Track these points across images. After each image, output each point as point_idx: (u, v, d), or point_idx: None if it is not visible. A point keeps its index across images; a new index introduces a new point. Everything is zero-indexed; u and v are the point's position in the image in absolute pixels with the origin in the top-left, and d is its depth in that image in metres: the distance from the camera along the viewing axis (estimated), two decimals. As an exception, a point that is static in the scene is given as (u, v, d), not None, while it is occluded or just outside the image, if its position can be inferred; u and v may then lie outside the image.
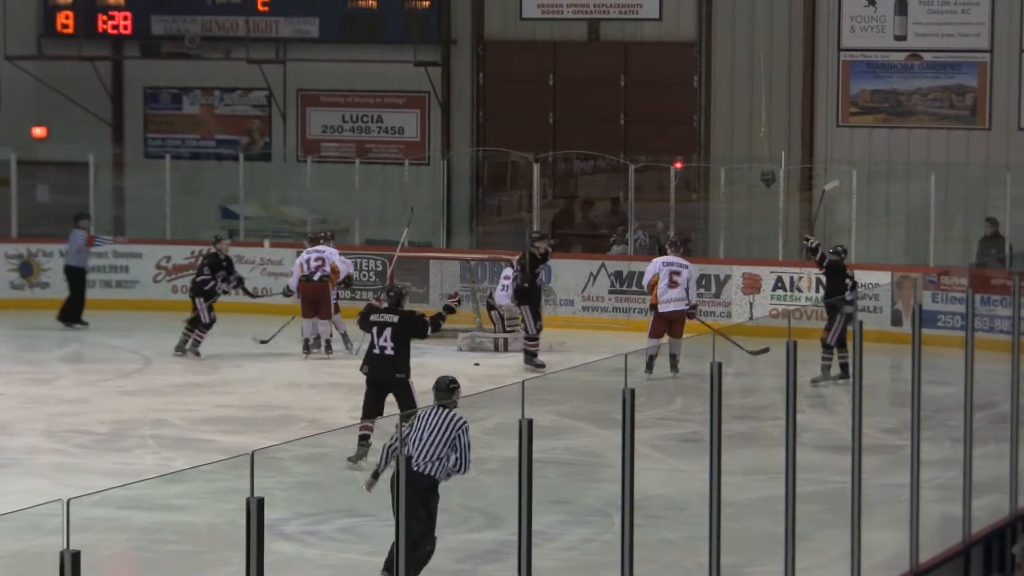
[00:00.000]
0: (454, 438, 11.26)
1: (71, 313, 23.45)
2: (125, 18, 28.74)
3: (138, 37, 28.86)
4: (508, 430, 14.57)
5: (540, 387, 17.34)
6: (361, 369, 15.27)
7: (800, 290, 23.07)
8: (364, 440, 14.82)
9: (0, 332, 23.76)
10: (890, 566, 11.67)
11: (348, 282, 22.12)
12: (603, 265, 24.42)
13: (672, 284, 20.23)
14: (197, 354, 21.27)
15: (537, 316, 21.01)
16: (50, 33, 28.97)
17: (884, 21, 25.90)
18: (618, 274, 24.17)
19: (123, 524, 12.52)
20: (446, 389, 11.92)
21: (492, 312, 22.30)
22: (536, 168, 25.52)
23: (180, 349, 21.38)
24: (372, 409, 14.97)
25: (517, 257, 21.47)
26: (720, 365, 10.17)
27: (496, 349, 21.92)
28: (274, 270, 25.20)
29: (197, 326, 21.38)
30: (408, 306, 23.42)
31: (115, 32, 28.83)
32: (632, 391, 9.08)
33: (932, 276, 22.43)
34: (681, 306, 20.16)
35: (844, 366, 18.91)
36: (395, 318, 15.08)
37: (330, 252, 21.86)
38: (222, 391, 19.30)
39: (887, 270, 23.40)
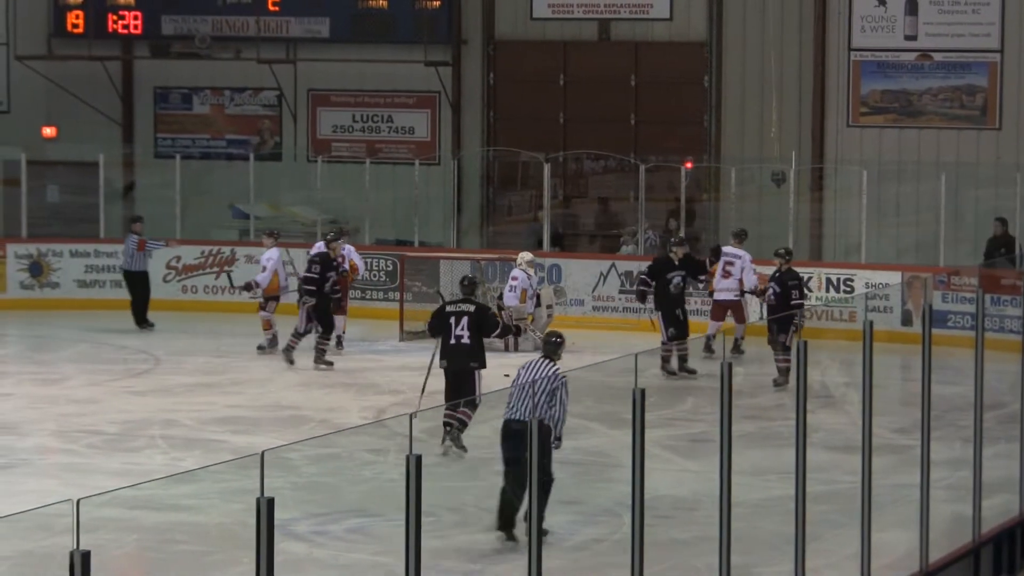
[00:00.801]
0: (554, 389, 12.11)
1: (136, 316, 23.36)
2: (135, 18, 28.76)
3: (148, 37, 28.89)
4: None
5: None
6: (440, 364, 15.68)
7: (810, 290, 23.04)
8: (448, 427, 15.20)
9: (10, 332, 23.81)
10: (900, 566, 11.66)
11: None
12: (613, 265, 24.42)
13: (725, 274, 21.40)
14: (328, 363, 20.42)
15: (671, 323, 20.28)
16: (60, 33, 29.00)
17: (894, 21, 25.87)
18: (628, 274, 24.16)
19: (133, 524, 12.52)
20: (551, 343, 12.86)
21: (502, 312, 22.27)
22: (547, 168, 25.53)
23: (318, 360, 20.45)
24: (455, 396, 15.35)
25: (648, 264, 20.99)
26: (730, 365, 10.18)
27: (506, 349, 21.88)
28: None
29: (321, 332, 20.46)
30: (419, 307, 23.55)
31: (125, 32, 28.86)
32: (643, 391, 9.08)
33: (942, 276, 22.40)
34: (731, 295, 21.34)
35: (785, 370, 18.80)
36: (472, 307, 15.62)
37: (349, 248, 22.10)
38: (232, 391, 19.30)
39: (897, 270, 23.39)
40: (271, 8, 28.29)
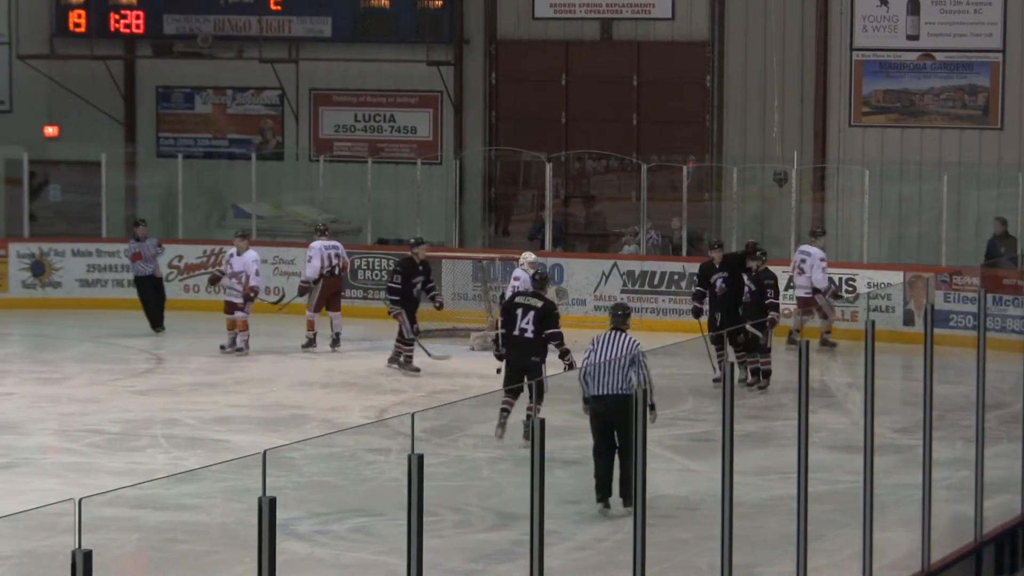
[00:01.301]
0: (634, 359, 12.85)
1: (150, 320, 23.14)
2: (137, 17, 28.76)
3: (150, 36, 28.89)
4: (521, 429, 14.56)
5: (553, 387, 17.34)
6: (497, 352, 16.02)
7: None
8: (504, 413, 15.48)
9: (12, 332, 23.81)
10: (902, 566, 11.66)
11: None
12: (615, 265, 24.41)
13: (799, 271, 21.83)
14: (416, 370, 20.10)
15: (712, 327, 19.17)
16: (62, 32, 29.00)
17: (896, 21, 25.86)
18: (630, 273, 24.16)
19: (135, 524, 12.52)
20: (621, 315, 13.71)
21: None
22: (548, 168, 25.52)
23: (393, 362, 20.29)
24: (515, 390, 15.57)
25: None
26: (732, 365, 10.17)
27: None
28: (287, 269, 25.24)
29: (402, 340, 20.23)
30: (422, 306, 23.54)
31: (127, 31, 28.86)
32: (644, 391, 9.07)
33: (944, 276, 22.40)
34: (804, 292, 21.71)
35: (756, 371, 18.64)
36: (539, 303, 15.87)
37: (341, 247, 22.22)
38: (234, 391, 19.30)
39: (899, 270, 23.38)
40: (273, 7, 28.29)
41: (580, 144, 27.06)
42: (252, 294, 21.61)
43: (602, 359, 13.17)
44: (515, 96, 27.65)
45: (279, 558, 7.08)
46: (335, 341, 21.87)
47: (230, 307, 21.66)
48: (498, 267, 24.12)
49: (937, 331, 11.88)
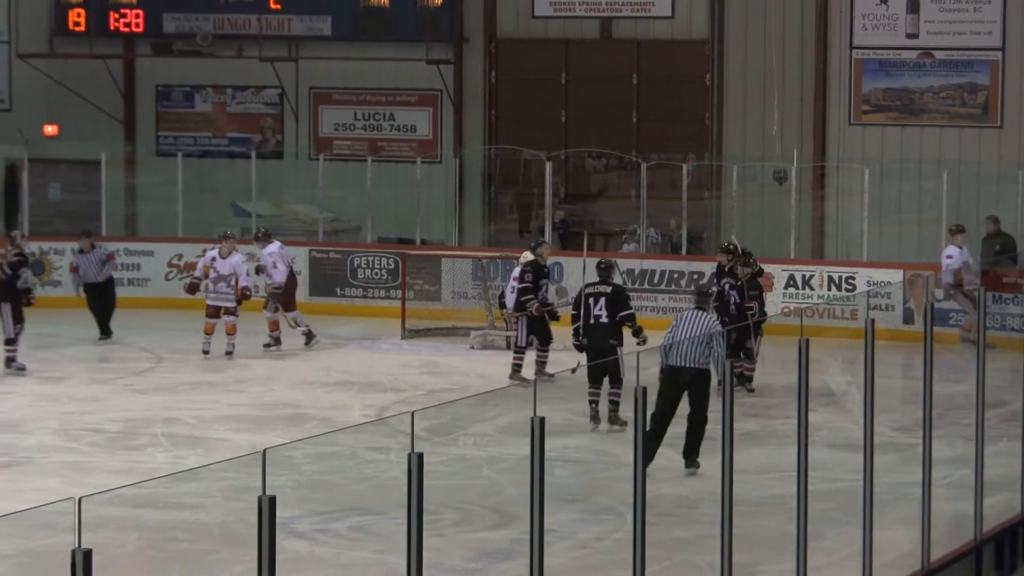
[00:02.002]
0: (712, 337, 14.24)
1: (105, 324, 23.01)
2: (137, 16, 28.76)
3: (150, 35, 28.88)
4: (520, 429, 14.56)
5: (552, 386, 17.37)
6: (578, 342, 16.68)
7: (812, 288, 23.04)
8: (593, 404, 16.22)
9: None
10: (902, 564, 11.66)
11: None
12: (615, 263, 24.34)
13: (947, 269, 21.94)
14: (550, 376, 18.63)
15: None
16: (62, 31, 28.99)
17: (896, 19, 25.86)
18: (630, 272, 24.13)
19: (135, 523, 12.52)
20: (705, 295, 15.41)
21: (504, 310, 22.25)
22: (548, 166, 25.51)
23: (516, 377, 19.30)
24: (597, 375, 16.23)
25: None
26: (732, 364, 10.16)
27: (508, 347, 21.86)
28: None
29: (537, 347, 19.27)
30: (420, 306, 23.55)
31: (127, 30, 28.85)
32: (644, 389, 9.07)
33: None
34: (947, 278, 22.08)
35: (740, 376, 17.95)
36: (608, 288, 16.91)
37: (278, 247, 22.07)
38: (234, 389, 19.30)
39: (899, 268, 23.37)
40: (273, 6, 28.29)
41: (580, 143, 27.05)
42: (247, 294, 21.50)
43: (683, 335, 14.58)
44: (515, 95, 27.64)
45: (279, 557, 7.08)
46: (310, 336, 21.75)
47: (215, 311, 21.34)
48: (498, 266, 24.12)
49: (937, 329, 11.87)
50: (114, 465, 15.35)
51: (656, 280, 23.84)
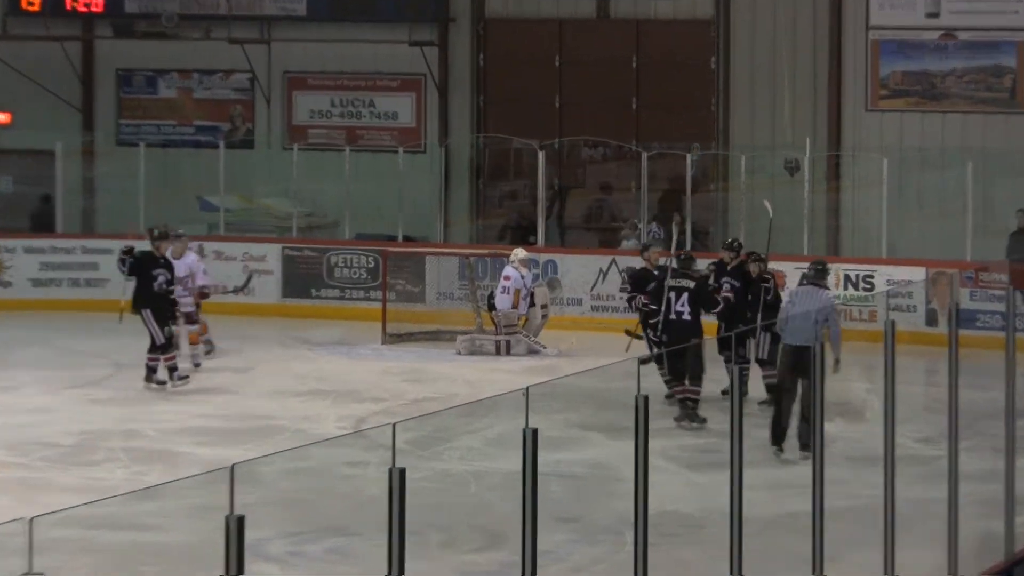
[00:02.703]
0: (828, 314, 15.23)
1: None
2: (96, -5, 28.71)
3: (110, 15, 28.82)
4: (511, 441, 14.49)
5: (546, 394, 17.26)
6: (657, 337, 17.02)
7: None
8: (684, 403, 16.63)
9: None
10: (926, 587, 11.65)
11: None
12: (614, 261, 24.36)
13: None
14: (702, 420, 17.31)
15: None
16: (15, 11, 28.92)
17: (916, -4, 25.87)
18: (631, 270, 24.07)
19: (90, 545, 12.48)
20: (820, 270, 16.18)
21: (493, 313, 22.24)
22: (541, 156, 25.49)
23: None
24: (678, 371, 16.72)
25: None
26: (740, 369, 10.12)
27: (498, 352, 21.87)
28: (257, 267, 25.20)
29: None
30: (402, 307, 23.54)
31: (85, 10, 28.78)
32: (646, 398, 9.05)
33: (970, 272, 22.40)
34: None
35: (770, 387, 17.20)
36: (691, 283, 17.18)
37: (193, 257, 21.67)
38: (199, 399, 19.24)
39: (921, 266, 23.36)
40: (243, -16, 28.27)
41: (575, 131, 27.04)
42: (207, 293, 21.28)
43: (798, 311, 15.51)
44: (505, 79, 27.63)
45: (248, 582, 7.03)
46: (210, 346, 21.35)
47: (186, 318, 21.09)
48: (486, 264, 24.09)
49: (962, 332, 11.88)
50: (68, 482, 15.31)
51: (623, 281, 23.58)
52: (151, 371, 19.53)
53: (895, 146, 25.40)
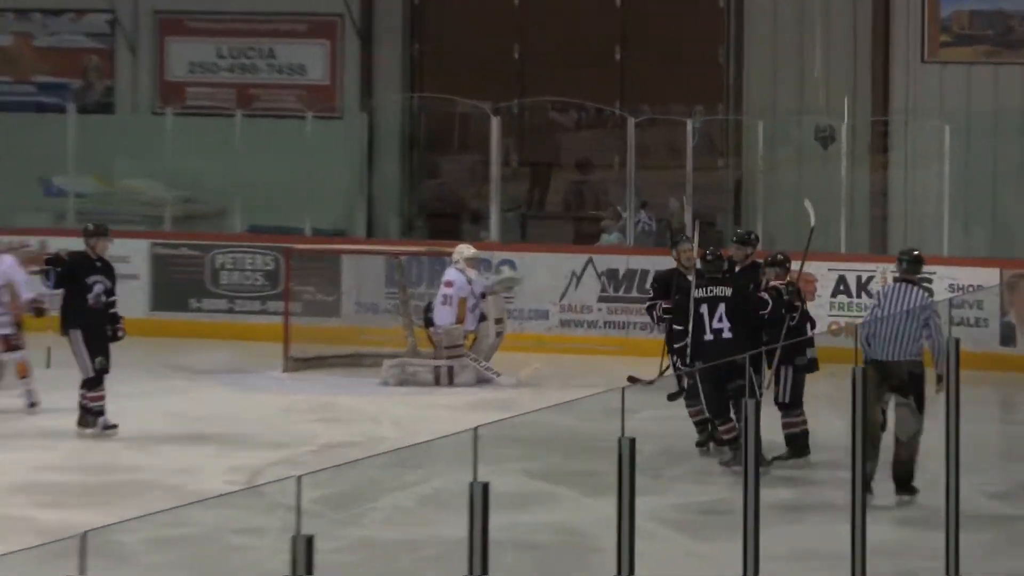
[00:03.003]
0: (927, 319, 15.10)
1: None
2: (-96, -90, 28.74)
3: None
4: (453, 499, 14.51)
5: (501, 437, 17.26)
6: (692, 363, 16.83)
7: (871, 295, 23.08)
8: (733, 442, 16.48)
9: None
10: None
11: None
12: (591, 260, 24.40)
13: None
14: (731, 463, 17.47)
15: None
16: None
17: (988, -87, 26.05)
18: (612, 273, 24.17)
19: None
20: (913, 261, 16.06)
21: (431, 329, 22.22)
22: (496, 122, 25.55)
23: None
24: (719, 406, 16.75)
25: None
26: (757, 404, 10.13)
27: (437, 382, 21.85)
28: (120, 271, 25.15)
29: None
30: (310, 323, 23.54)
31: None
32: (631, 441, 9.04)
33: (1059, 275, 22.55)
34: None
35: (792, 438, 17.32)
36: (728, 290, 16.96)
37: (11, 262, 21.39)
38: (39, 446, 19.17)
39: (993, 266, 23.48)
40: None
41: (540, 90, 27.11)
42: (43, 308, 20.91)
43: (888, 321, 15.48)
44: (447, 23, 27.69)
45: None
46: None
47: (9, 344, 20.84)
48: (423, 266, 24.11)
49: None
50: None
51: (647, 285, 23.66)
52: (86, 411, 19.44)
53: (960, 108, 25.50)
